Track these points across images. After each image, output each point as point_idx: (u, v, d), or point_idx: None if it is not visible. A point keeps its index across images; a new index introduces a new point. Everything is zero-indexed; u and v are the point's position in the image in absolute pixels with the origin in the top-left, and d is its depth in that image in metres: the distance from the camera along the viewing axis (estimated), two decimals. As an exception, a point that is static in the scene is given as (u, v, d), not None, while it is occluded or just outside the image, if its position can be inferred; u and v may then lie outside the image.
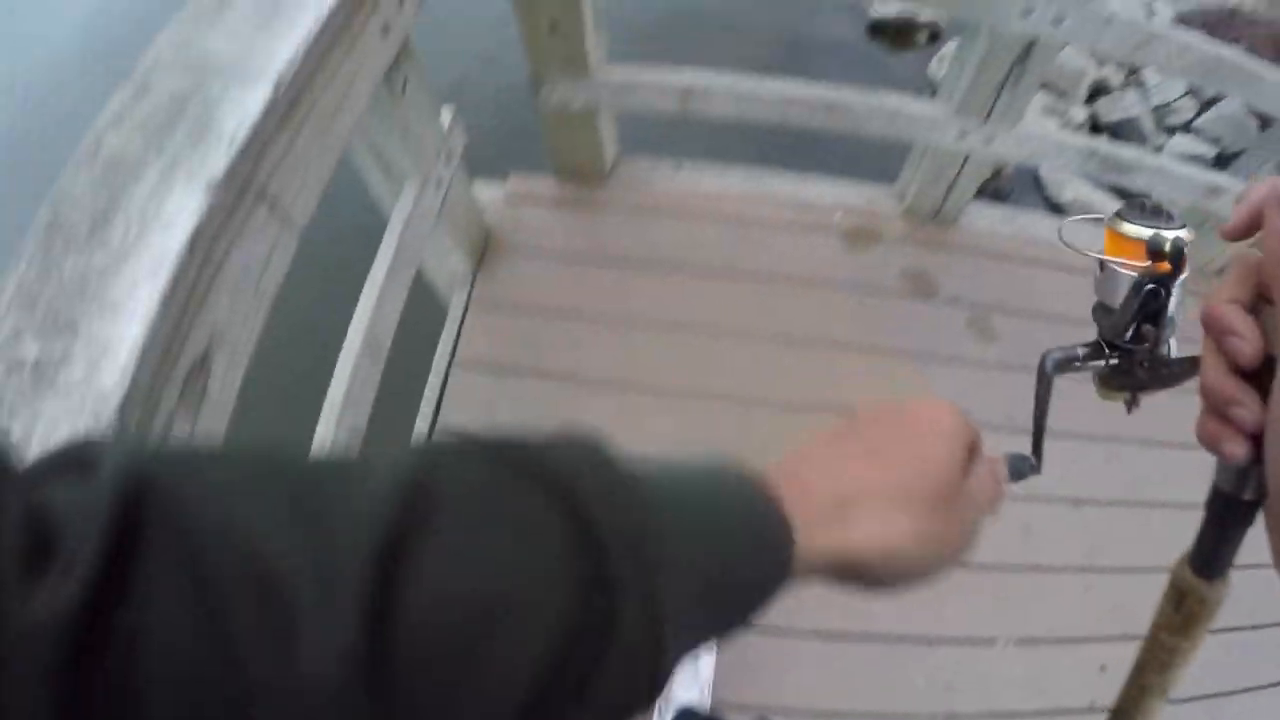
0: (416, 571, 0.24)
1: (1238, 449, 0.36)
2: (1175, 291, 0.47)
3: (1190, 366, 0.43)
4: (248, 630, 0.21)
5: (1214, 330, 0.36)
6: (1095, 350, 0.51)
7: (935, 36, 4.50)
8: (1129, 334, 0.49)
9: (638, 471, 0.31)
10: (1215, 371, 0.36)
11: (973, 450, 0.42)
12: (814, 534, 0.36)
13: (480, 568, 0.26)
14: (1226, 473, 0.39)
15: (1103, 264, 0.50)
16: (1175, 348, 0.48)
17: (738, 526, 0.34)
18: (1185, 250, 0.46)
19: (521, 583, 0.26)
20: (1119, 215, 0.49)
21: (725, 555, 0.33)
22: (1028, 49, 1.59)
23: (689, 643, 0.31)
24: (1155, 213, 0.48)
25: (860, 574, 0.38)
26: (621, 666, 0.27)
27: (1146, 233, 0.47)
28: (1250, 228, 0.36)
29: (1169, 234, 0.46)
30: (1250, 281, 0.36)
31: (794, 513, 0.36)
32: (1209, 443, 0.37)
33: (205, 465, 0.25)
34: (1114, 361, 0.50)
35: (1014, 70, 1.64)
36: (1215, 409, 0.37)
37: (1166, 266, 0.46)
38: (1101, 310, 0.50)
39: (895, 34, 4.51)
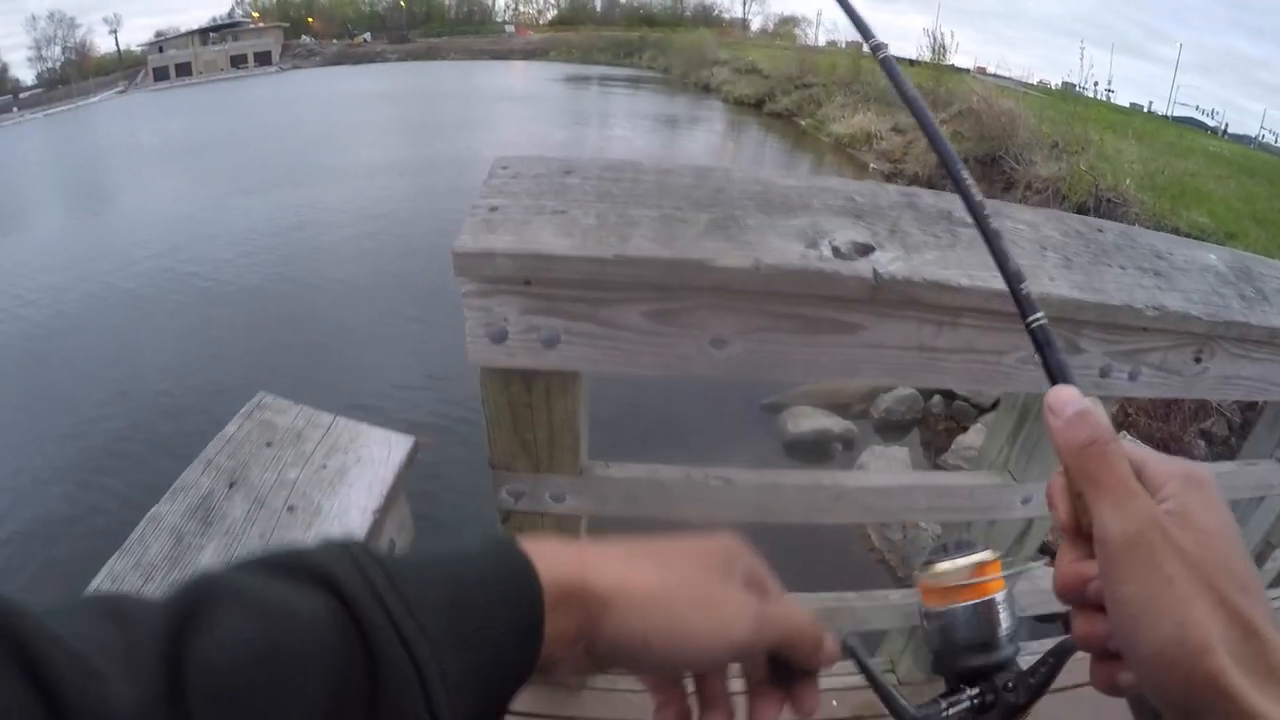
0: (202, 636, 0.32)
1: (1130, 675, 0.44)
2: (1005, 605, 0.52)
3: (1054, 662, 0.52)
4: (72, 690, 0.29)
5: (1049, 502, 0.50)
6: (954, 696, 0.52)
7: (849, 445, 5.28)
8: (981, 662, 0.52)
9: (384, 554, 0.40)
10: (1064, 563, 0.47)
11: (748, 571, 0.50)
12: (555, 567, 0.43)
13: (257, 625, 0.34)
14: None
15: (931, 614, 0.53)
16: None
17: (482, 566, 0.42)
18: (1000, 561, 0.53)
19: (292, 638, 0.34)
20: (928, 565, 0.54)
21: (469, 586, 0.41)
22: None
23: (466, 673, 0.38)
24: (959, 546, 0.54)
25: (608, 616, 0.44)
26: (395, 689, 0.35)
27: (965, 561, 0.52)
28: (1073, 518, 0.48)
29: (986, 555, 0.53)
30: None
31: (539, 555, 0.43)
32: (1105, 686, 0.46)
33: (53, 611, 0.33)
34: (978, 698, 0.51)
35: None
36: (1072, 600, 0.47)
37: (1000, 584, 0.52)
38: (949, 651, 0.53)
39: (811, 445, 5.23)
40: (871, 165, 18.85)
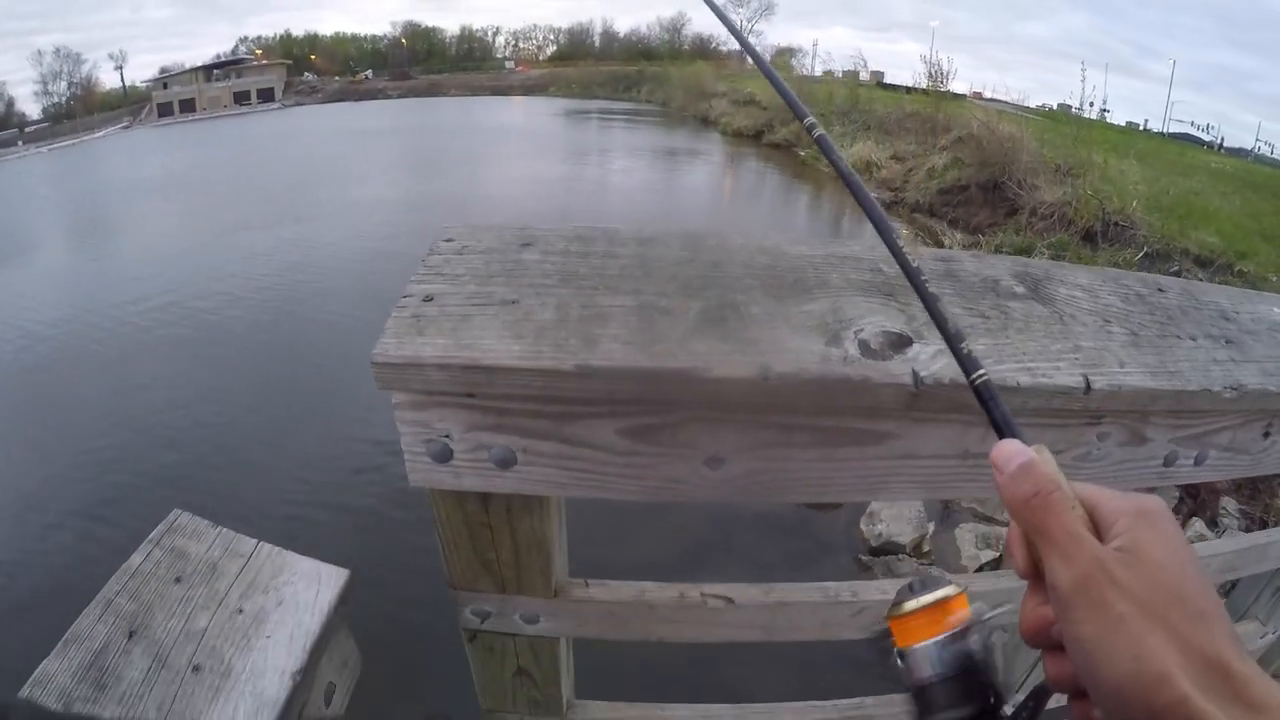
0: None
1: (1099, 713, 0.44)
2: (979, 640, 0.52)
3: (1034, 705, 0.51)
4: None
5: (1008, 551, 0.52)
6: None
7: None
8: (958, 697, 0.51)
9: None
10: (1028, 608, 0.49)
11: None
12: None
13: None
14: None
15: (903, 654, 0.53)
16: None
17: None
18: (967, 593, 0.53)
19: None
20: (896, 605, 0.54)
21: None
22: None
23: None
24: (925, 584, 0.54)
25: None
26: None
27: (930, 597, 0.52)
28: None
29: (951, 590, 0.52)
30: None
31: None
32: None
33: None
34: None
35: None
36: (1040, 643, 0.48)
37: (966, 616, 0.52)
38: (921, 689, 0.52)
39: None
40: (872, 194, 18.72)
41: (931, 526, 5.04)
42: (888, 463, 0.84)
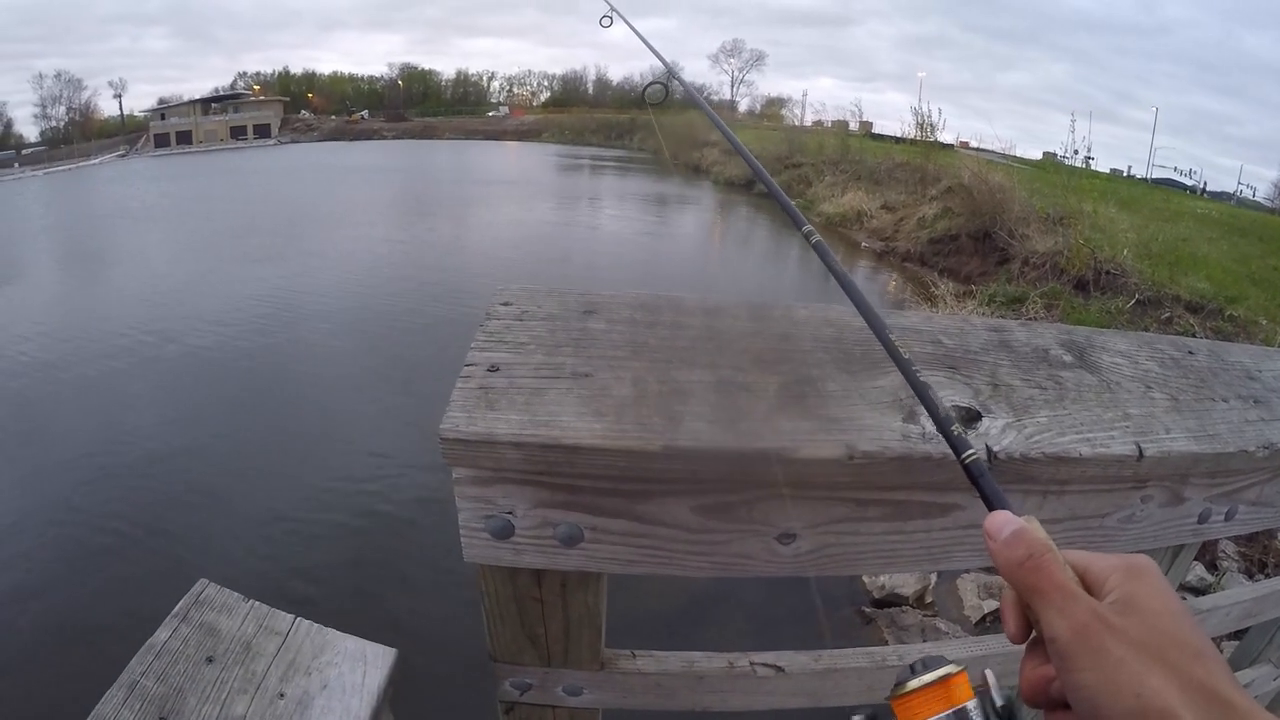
0: None
1: None
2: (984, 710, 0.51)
3: None
4: None
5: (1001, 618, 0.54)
6: None
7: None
8: None
9: None
10: (1026, 670, 0.51)
11: None
12: None
13: None
14: None
15: None
16: None
17: None
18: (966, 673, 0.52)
19: None
20: (898, 687, 0.54)
21: None
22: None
23: None
24: (926, 665, 0.53)
25: None
26: None
27: (931, 676, 0.52)
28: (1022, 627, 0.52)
29: (951, 668, 0.52)
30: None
31: None
32: None
33: None
34: None
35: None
36: (1041, 703, 0.50)
37: (969, 694, 0.51)
38: None
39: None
40: (864, 243, 18.93)
41: (934, 578, 4.99)
42: (952, 533, 0.84)
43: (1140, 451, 0.84)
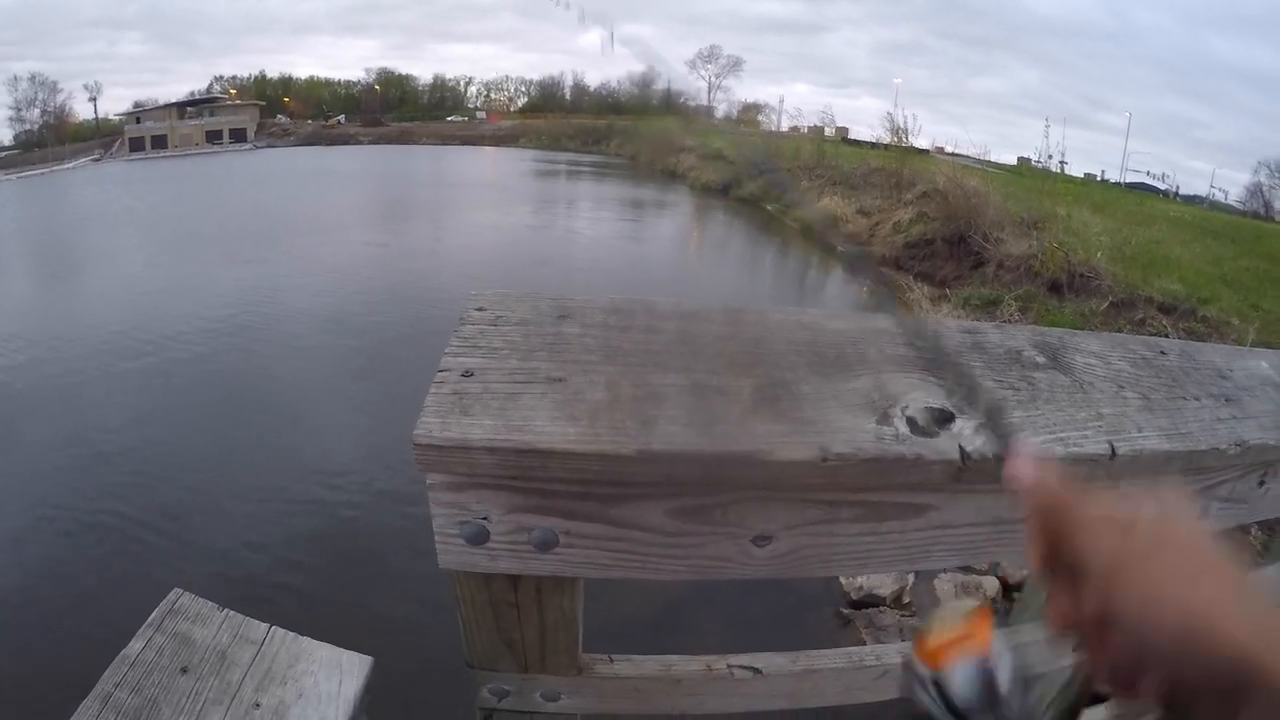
0: None
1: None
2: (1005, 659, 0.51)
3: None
4: None
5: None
6: None
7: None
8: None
9: None
10: (1055, 603, 0.49)
11: None
12: None
13: None
14: None
15: (937, 681, 0.52)
16: None
17: None
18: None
19: None
20: (922, 633, 0.54)
21: None
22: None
23: None
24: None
25: None
26: None
27: (959, 605, 0.55)
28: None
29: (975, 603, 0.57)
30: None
31: None
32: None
33: None
34: None
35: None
36: (1072, 628, 0.48)
37: (988, 636, 0.51)
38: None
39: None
40: (839, 248, 19.05)
41: (911, 578, 5.02)
42: (927, 533, 0.85)
43: (1113, 450, 0.85)
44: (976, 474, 0.77)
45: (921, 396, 0.80)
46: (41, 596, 5.01)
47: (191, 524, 5.92)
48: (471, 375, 0.72)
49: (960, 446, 0.75)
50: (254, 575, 5.19)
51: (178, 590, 0.94)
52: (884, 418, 0.75)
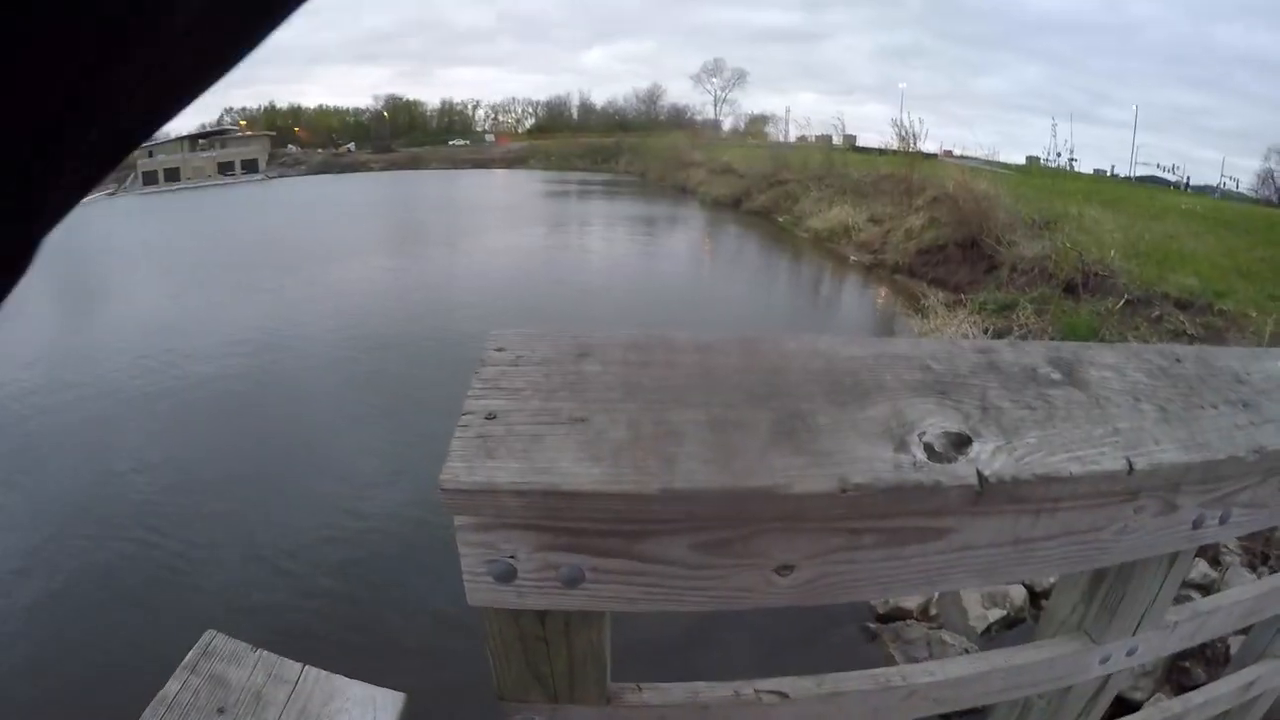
0: None
1: None
2: None
3: None
4: None
5: None
6: None
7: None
8: None
9: None
10: None
11: None
12: None
13: None
14: None
15: None
16: None
17: None
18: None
19: None
20: None
21: None
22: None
23: None
24: None
25: None
26: None
27: None
28: None
29: None
30: None
31: None
32: None
33: None
34: None
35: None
36: None
37: None
38: None
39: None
40: (852, 257, 19.06)
41: (930, 593, 5.01)
42: (948, 556, 0.85)
43: (1130, 466, 0.85)
44: (998, 497, 0.78)
45: (938, 421, 0.81)
46: (71, 638, 5.05)
47: (220, 555, 5.98)
48: (495, 418, 0.74)
49: (978, 471, 0.76)
50: (283, 610, 5.22)
51: (211, 632, 0.96)
52: (901, 445, 0.76)
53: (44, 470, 7.61)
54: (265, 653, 0.93)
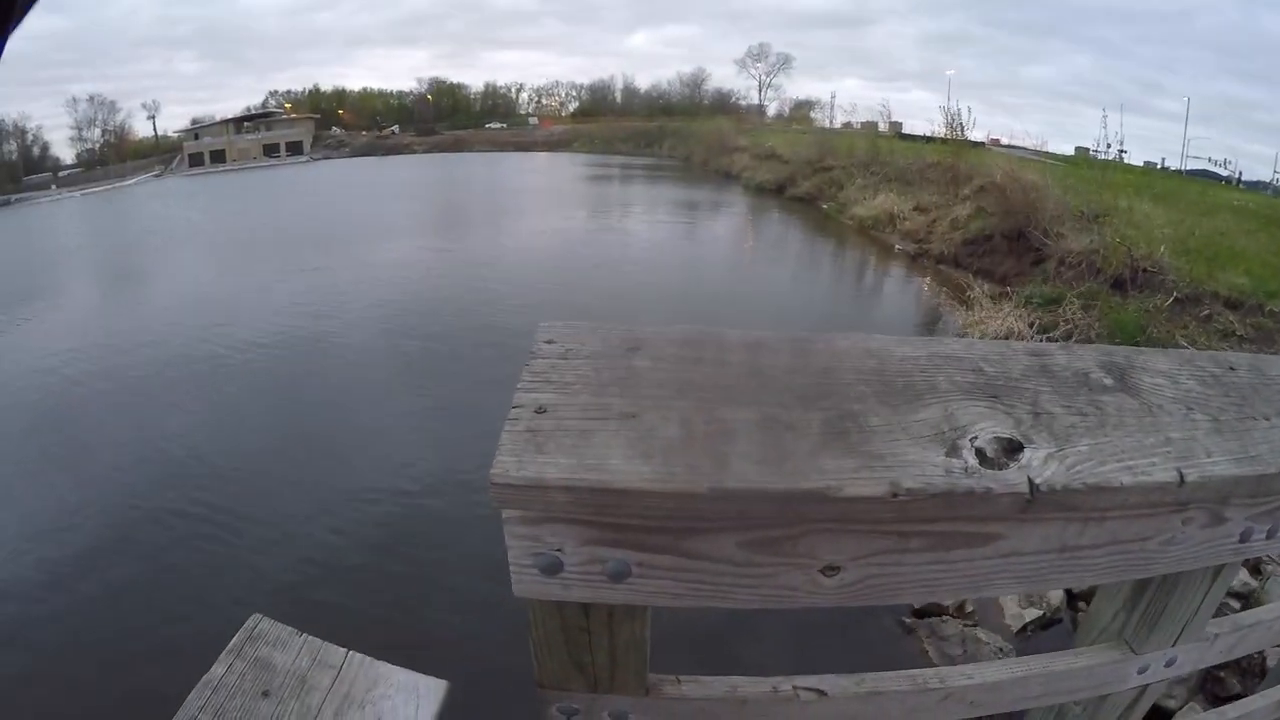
0: None
1: None
2: None
3: None
4: None
5: None
6: None
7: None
8: None
9: None
10: None
11: None
12: None
13: None
14: None
15: None
16: None
17: None
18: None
19: None
20: None
21: None
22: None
23: None
24: None
25: None
26: None
27: None
28: None
29: None
30: None
31: None
32: None
33: None
34: None
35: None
36: None
37: None
38: None
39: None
40: (897, 246, 18.84)
41: (972, 598, 4.96)
42: (994, 561, 0.84)
43: (1181, 478, 0.84)
44: (1048, 505, 0.77)
45: (990, 426, 0.80)
46: (125, 612, 5.19)
47: (263, 538, 6.09)
48: (545, 412, 0.74)
49: (1029, 479, 0.75)
50: (326, 594, 5.30)
51: (257, 615, 0.98)
52: (953, 450, 0.75)
53: (90, 446, 7.81)
54: (310, 637, 0.95)
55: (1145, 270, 11.51)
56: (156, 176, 61.98)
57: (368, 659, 0.93)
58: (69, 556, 5.87)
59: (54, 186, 52.87)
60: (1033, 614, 4.74)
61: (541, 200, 30.29)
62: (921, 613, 4.75)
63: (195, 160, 70.26)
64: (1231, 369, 1.15)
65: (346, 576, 5.52)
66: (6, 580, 5.53)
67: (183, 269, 18.05)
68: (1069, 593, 4.80)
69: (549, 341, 0.87)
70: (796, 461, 0.70)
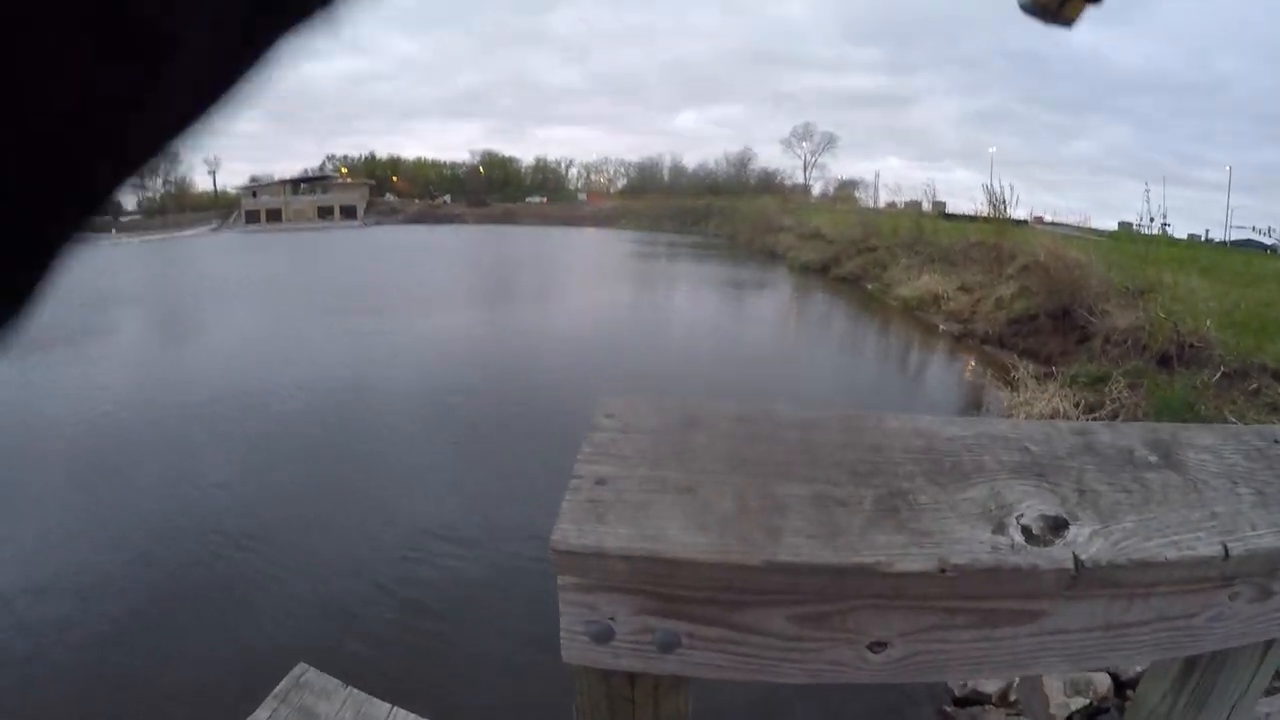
0: None
1: None
2: None
3: None
4: None
5: None
6: None
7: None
8: None
9: None
10: None
11: None
12: None
13: None
14: None
15: None
16: None
17: None
18: None
19: None
20: None
21: None
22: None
23: None
24: None
25: None
26: None
27: None
28: None
29: None
30: None
31: None
32: None
33: None
34: None
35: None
36: None
37: None
38: None
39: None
40: (941, 326, 18.72)
41: (1017, 676, 4.80)
42: (1040, 639, 0.85)
43: (1226, 551, 0.85)
44: (1093, 582, 0.78)
45: (1036, 504, 0.82)
46: (169, 653, 5.21)
47: (305, 589, 6.11)
48: (605, 483, 0.78)
49: (1075, 555, 0.76)
50: (366, 645, 5.28)
51: (303, 665, 1.00)
52: (1000, 527, 0.77)
53: (129, 490, 7.96)
54: (355, 690, 0.96)
55: (1191, 345, 11.27)
56: (214, 230, 64.15)
57: (412, 715, 0.94)
58: (113, 593, 5.93)
59: (114, 232, 54.68)
60: (1079, 702, 4.56)
61: (590, 276, 30.71)
62: (963, 700, 4.59)
63: (252, 217, 72.66)
64: (1276, 442, 1.14)
65: (387, 632, 5.51)
66: (48, 616, 5.61)
67: (234, 322, 18.56)
68: (1116, 679, 4.62)
69: (609, 415, 0.91)
70: (848, 537, 0.72)
